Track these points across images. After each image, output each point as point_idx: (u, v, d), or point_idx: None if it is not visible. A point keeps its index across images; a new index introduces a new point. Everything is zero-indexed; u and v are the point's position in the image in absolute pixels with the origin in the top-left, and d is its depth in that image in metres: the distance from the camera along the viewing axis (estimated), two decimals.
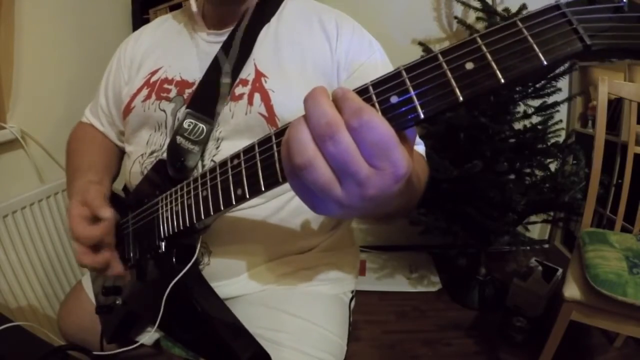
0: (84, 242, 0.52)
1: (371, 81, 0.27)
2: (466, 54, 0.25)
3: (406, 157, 0.25)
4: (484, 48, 0.24)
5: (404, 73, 0.26)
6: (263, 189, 0.34)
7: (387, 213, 0.32)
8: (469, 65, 0.24)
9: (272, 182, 0.33)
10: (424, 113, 0.25)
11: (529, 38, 0.23)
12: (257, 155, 0.34)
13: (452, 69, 0.25)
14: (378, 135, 0.24)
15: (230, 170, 0.38)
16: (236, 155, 0.38)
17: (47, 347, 0.57)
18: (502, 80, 0.23)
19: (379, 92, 0.27)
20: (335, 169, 0.26)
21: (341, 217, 0.30)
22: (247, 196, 0.36)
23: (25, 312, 1.06)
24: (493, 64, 0.24)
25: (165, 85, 0.63)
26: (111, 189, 0.70)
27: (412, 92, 0.26)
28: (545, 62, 0.23)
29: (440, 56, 0.25)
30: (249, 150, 0.36)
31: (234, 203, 0.38)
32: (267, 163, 0.33)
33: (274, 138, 0.33)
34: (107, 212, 0.53)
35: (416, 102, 0.26)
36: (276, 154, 0.32)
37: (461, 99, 0.24)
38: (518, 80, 0.24)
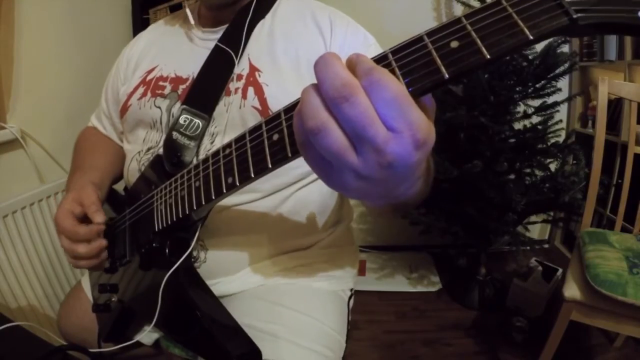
0: (68, 237, 0.54)
1: None
2: (451, 33, 0.25)
3: (425, 121, 0.24)
4: (468, 27, 0.24)
5: (390, 56, 0.27)
6: (252, 175, 0.34)
7: (405, 194, 0.30)
8: (454, 44, 0.25)
9: (262, 169, 0.33)
10: (410, 92, 0.25)
11: (514, 14, 0.24)
12: (248, 142, 0.35)
13: (437, 48, 0.25)
14: (391, 92, 0.23)
15: (222, 159, 0.39)
16: (228, 145, 0.38)
17: (47, 347, 0.57)
18: (488, 56, 0.24)
19: None
20: (350, 135, 0.24)
21: (359, 194, 0.29)
22: (237, 183, 0.36)
23: (25, 312, 1.06)
24: (478, 40, 0.24)
25: (160, 83, 0.64)
26: (110, 190, 0.71)
27: (398, 72, 0.26)
28: (531, 37, 0.23)
29: (425, 37, 0.26)
30: (240, 138, 0.36)
31: (224, 192, 0.38)
32: (256, 150, 0.34)
33: (264, 125, 0.33)
34: (101, 218, 0.54)
35: (402, 82, 0.26)
36: (266, 140, 0.33)
37: (447, 76, 0.25)
38: (505, 55, 0.24)
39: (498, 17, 0.24)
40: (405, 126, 0.23)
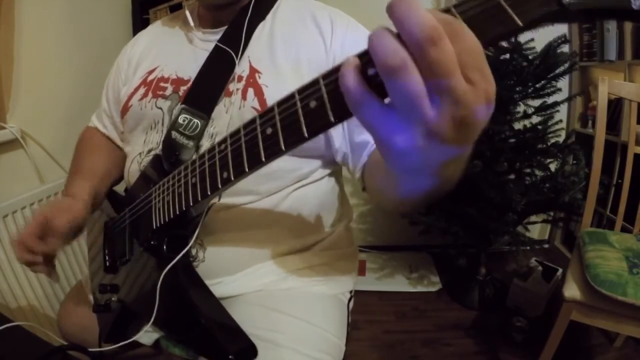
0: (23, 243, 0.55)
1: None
2: None
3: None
4: (458, 16, 0.24)
5: None
6: (247, 169, 0.34)
7: (452, 176, 0.30)
8: None
9: (255, 162, 0.33)
10: None
11: (502, 2, 0.23)
12: (242, 137, 0.35)
13: None
14: (474, 42, 0.23)
15: (217, 154, 0.39)
16: (223, 140, 0.38)
17: (47, 347, 0.57)
18: None
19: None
20: (430, 81, 0.23)
21: (414, 160, 0.26)
22: (232, 178, 0.36)
23: (25, 312, 1.06)
24: None
25: (162, 84, 0.64)
26: (111, 190, 0.71)
27: None
28: (520, 24, 0.23)
29: None
30: (234, 133, 0.37)
31: (220, 187, 0.39)
32: (250, 144, 0.34)
33: (257, 120, 0.33)
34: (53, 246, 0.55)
35: None
36: (259, 135, 0.33)
37: None
38: (494, 44, 0.24)
39: (487, 5, 0.24)
40: (480, 77, 0.23)
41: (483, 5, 0.24)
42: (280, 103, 0.31)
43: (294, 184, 0.61)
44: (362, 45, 0.66)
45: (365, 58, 0.25)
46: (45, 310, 1.12)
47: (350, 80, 0.25)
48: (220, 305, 0.55)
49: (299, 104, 0.29)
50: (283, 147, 0.31)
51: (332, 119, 0.28)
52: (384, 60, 0.23)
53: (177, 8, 1.47)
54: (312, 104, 0.28)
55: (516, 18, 0.23)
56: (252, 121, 0.34)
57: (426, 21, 0.22)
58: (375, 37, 0.24)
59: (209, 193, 0.40)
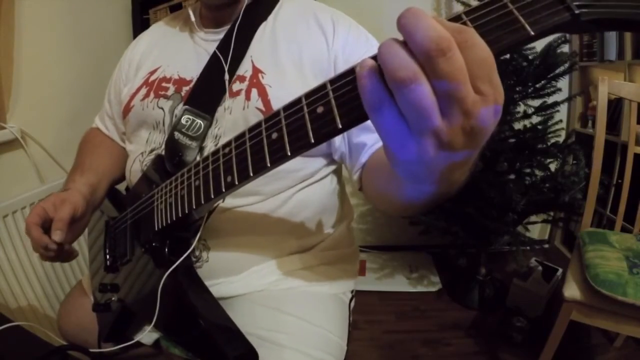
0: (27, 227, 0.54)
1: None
2: None
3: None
4: (469, 24, 0.24)
5: None
6: (251, 174, 0.34)
7: (457, 182, 0.30)
8: None
9: (261, 167, 0.33)
10: None
11: (514, 11, 0.23)
12: (247, 141, 0.35)
13: None
14: (486, 52, 0.22)
15: (221, 157, 0.39)
16: (227, 143, 0.38)
17: (47, 347, 0.57)
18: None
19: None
20: (439, 93, 0.23)
21: (425, 169, 0.27)
22: (236, 182, 0.36)
23: (25, 312, 1.06)
24: None
25: (164, 84, 0.64)
26: (112, 189, 0.71)
27: None
28: (532, 33, 0.23)
29: None
30: (239, 137, 0.36)
31: (223, 190, 0.38)
32: (255, 149, 0.34)
33: (263, 124, 0.33)
34: (58, 238, 0.53)
35: None
36: (265, 139, 0.33)
37: None
38: (506, 52, 0.24)
39: (499, 13, 0.24)
40: (490, 89, 0.23)
41: (495, 13, 0.24)
42: (286, 108, 0.31)
43: (298, 184, 0.61)
44: (363, 47, 0.66)
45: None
46: (45, 310, 1.12)
47: (368, 81, 0.24)
48: (221, 308, 0.54)
49: (305, 109, 0.29)
50: (289, 153, 0.30)
51: (339, 125, 0.27)
52: (393, 73, 0.23)
53: (177, 8, 1.47)
54: (320, 109, 0.28)
55: (528, 27, 0.23)
56: (257, 125, 0.34)
57: (434, 32, 0.22)
58: (385, 48, 0.23)
59: (213, 196, 0.40)
